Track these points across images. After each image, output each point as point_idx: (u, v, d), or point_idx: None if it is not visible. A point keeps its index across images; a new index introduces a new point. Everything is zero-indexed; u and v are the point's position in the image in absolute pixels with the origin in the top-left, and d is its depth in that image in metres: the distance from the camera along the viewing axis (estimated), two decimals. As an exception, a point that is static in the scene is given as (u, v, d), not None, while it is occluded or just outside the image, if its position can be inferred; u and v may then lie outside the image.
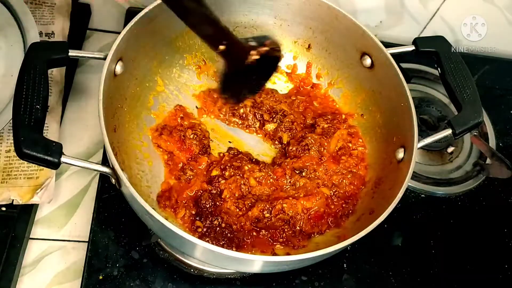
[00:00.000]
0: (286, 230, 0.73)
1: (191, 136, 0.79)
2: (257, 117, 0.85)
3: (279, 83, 0.91)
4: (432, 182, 0.93)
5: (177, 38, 0.82)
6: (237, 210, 0.74)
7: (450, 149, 0.97)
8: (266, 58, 0.67)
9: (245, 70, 0.67)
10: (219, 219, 0.71)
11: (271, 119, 0.84)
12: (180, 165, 0.78)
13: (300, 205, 0.74)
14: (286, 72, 0.91)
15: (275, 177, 0.77)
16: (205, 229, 0.71)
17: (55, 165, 0.56)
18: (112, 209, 0.77)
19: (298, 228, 0.73)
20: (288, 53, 0.90)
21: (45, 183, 0.76)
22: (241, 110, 0.85)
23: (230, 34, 0.63)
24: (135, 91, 0.77)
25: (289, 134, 0.83)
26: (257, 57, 0.66)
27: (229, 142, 0.84)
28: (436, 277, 0.83)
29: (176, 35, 0.81)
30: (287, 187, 0.78)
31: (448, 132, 0.70)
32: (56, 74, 0.86)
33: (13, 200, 0.74)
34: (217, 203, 0.73)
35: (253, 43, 0.67)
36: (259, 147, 0.84)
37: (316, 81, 0.90)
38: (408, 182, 0.65)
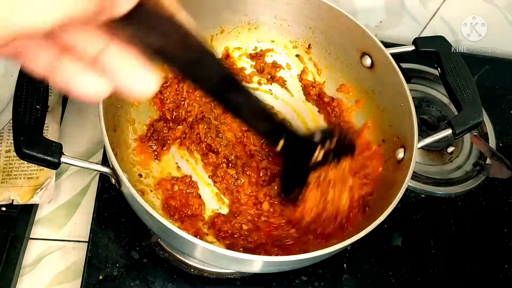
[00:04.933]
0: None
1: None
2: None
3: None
4: (432, 182, 0.93)
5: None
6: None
7: (450, 149, 0.97)
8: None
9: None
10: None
11: None
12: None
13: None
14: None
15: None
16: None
17: (55, 165, 0.56)
18: (112, 209, 0.77)
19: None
20: (287, 54, 0.90)
21: (45, 183, 0.76)
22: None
23: (290, 128, 0.57)
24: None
25: None
26: (319, 159, 0.60)
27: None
28: (436, 277, 0.83)
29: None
30: None
31: (448, 132, 0.70)
32: (56, 74, 0.86)
33: (13, 200, 0.74)
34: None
35: (318, 137, 0.60)
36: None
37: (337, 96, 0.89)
38: (408, 182, 0.65)
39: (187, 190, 0.74)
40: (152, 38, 0.31)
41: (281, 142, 0.56)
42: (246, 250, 0.68)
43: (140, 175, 0.75)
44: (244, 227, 0.71)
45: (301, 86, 0.91)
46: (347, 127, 0.71)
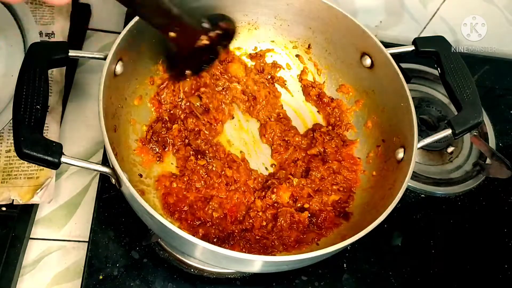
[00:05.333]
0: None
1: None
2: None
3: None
4: (432, 182, 0.93)
5: (177, 38, 0.82)
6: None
7: (450, 149, 0.97)
8: (219, 36, 0.66)
9: (193, 51, 0.66)
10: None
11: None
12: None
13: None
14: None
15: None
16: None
17: (55, 165, 0.56)
18: (112, 209, 0.77)
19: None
20: (287, 54, 0.90)
21: (45, 183, 0.76)
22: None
23: (183, 20, 0.61)
24: (135, 91, 0.77)
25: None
26: (206, 42, 0.65)
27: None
28: (436, 277, 0.83)
29: (176, 35, 0.81)
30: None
31: (448, 132, 0.70)
32: (56, 74, 0.86)
33: (13, 200, 0.74)
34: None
35: (206, 25, 0.65)
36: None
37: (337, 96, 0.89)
38: (408, 182, 0.65)
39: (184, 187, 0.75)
40: None
41: (172, 33, 0.61)
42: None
43: (140, 175, 0.75)
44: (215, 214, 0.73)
45: (301, 86, 0.91)
46: (234, 24, 0.75)
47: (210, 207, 0.73)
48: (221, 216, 0.73)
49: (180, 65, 0.71)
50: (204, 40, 0.65)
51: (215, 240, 0.70)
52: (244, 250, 0.70)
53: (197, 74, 0.81)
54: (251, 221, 0.73)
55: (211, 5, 0.80)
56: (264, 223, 0.74)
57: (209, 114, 0.81)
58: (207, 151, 0.78)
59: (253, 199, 0.76)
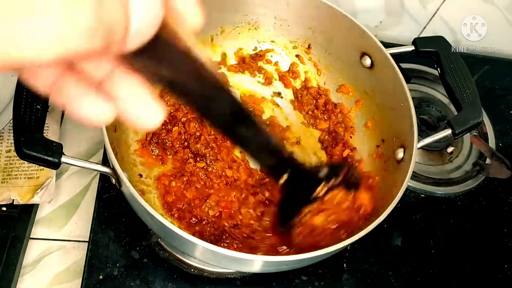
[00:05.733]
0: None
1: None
2: None
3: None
4: (432, 182, 0.93)
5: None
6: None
7: (449, 149, 0.97)
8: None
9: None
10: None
11: None
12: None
13: None
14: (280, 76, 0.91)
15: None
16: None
17: (55, 165, 0.56)
18: (112, 209, 0.77)
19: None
20: (287, 54, 0.90)
21: (46, 183, 0.76)
22: None
23: (296, 163, 0.55)
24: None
25: None
26: (321, 194, 0.58)
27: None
28: (436, 277, 0.83)
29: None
30: None
31: (447, 132, 0.70)
32: (56, 74, 0.86)
33: (13, 200, 0.74)
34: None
35: (323, 173, 0.58)
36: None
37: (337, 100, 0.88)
38: (408, 182, 0.65)
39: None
40: (164, 70, 0.29)
41: (285, 177, 0.55)
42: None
43: (141, 175, 0.75)
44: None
45: (303, 96, 0.90)
46: (354, 162, 0.70)
47: (207, 205, 0.73)
48: (217, 214, 0.73)
49: (291, 217, 0.61)
50: (320, 189, 0.58)
51: (211, 238, 0.70)
52: (233, 247, 0.70)
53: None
54: (240, 217, 0.73)
55: (211, 5, 0.80)
56: (252, 222, 0.73)
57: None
58: (207, 154, 0.78)
59: (245, 195, 0.76)
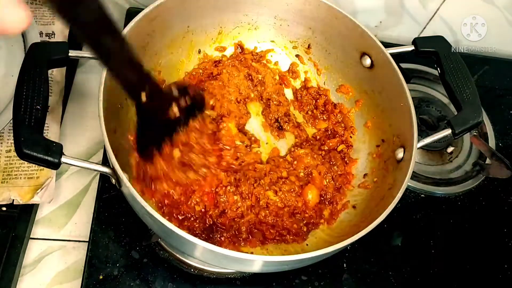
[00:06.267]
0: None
1: None
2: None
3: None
4: (432, 182, 0.93)
5: (177, 39, 0.82)
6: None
7: (449, 149, 0.98)
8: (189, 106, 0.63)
9: (164, 123, 0.62)
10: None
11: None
12: None
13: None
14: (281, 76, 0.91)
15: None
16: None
17: (55, 166, 0.56)
18: (112, 209, 0.77)
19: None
20: (287, 54, 0.90)
21: (46, 183, 0.76)
22: None
23: (152, 79, 0.58)
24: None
25: None
26: (176, 112, 0.61)
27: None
28: (436, 277, 0.83)
29: (176, 36, 0.81)
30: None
31: (447, 132, 0.70)
32: (56, 74, 0.86)
33: (13, 200, 0.74)
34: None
35: (175, 92, 0.61)
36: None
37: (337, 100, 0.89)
38: (407, 182, 0.65)
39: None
40: None
41: (144, 94, 0.57)
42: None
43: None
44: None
45: (303, 97, 0.90)
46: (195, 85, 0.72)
47: (193, 201, 0.73)
48: (203, 210, 0.73)
49: (150, 145, 0.65)
50: (174, 109, 0.61)
51: (204, 233, 0.70)
52: (224, 238, 0.70)
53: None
54: (222, 199, 0.72)
55: (211, 5, 0.80)
56: (239, 211, 0.73)
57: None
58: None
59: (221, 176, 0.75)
